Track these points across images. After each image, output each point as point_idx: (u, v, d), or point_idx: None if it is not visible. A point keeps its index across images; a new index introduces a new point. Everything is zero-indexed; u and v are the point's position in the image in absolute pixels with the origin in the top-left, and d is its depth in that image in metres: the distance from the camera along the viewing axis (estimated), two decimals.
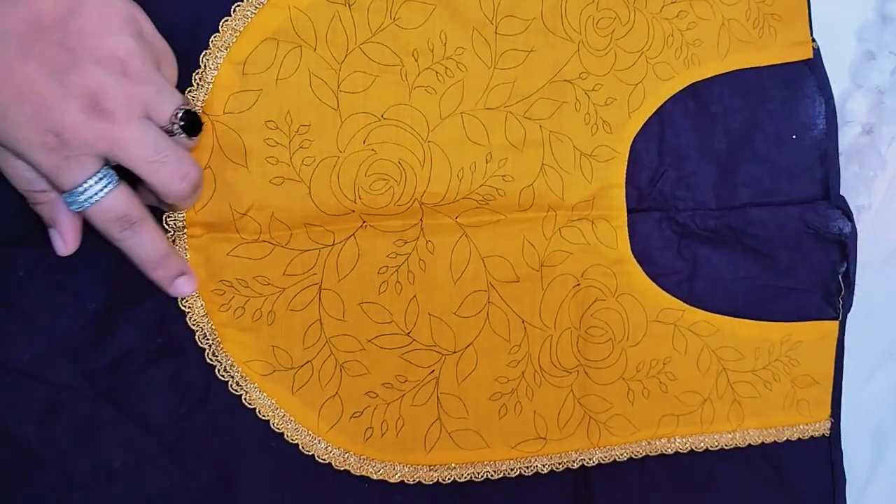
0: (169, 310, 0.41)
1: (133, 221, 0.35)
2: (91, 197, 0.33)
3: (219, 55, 0.41)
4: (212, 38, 0.41)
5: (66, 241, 0.36)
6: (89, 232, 0.39)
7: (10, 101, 0.31)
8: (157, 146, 0.34)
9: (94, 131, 0.32)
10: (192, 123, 0.35)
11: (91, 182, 0.33)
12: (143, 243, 0.36)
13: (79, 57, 0.32)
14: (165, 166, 0.34)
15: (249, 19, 0.41)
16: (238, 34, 0.41)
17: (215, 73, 0.41)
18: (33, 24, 0.31)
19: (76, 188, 0.33)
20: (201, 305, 0.41)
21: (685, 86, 0.48)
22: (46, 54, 0.31)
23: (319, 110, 0.42)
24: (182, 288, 0.39)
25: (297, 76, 0.42)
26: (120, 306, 0.40)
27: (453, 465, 0.45)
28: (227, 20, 0.41)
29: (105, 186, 0.34)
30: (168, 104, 0.34)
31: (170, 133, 0.35)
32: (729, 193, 0.49)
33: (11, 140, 0.32)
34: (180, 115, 0.35)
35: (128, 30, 0.33)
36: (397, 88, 0.43)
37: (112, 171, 0.34)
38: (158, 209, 0.40)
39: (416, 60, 0.44)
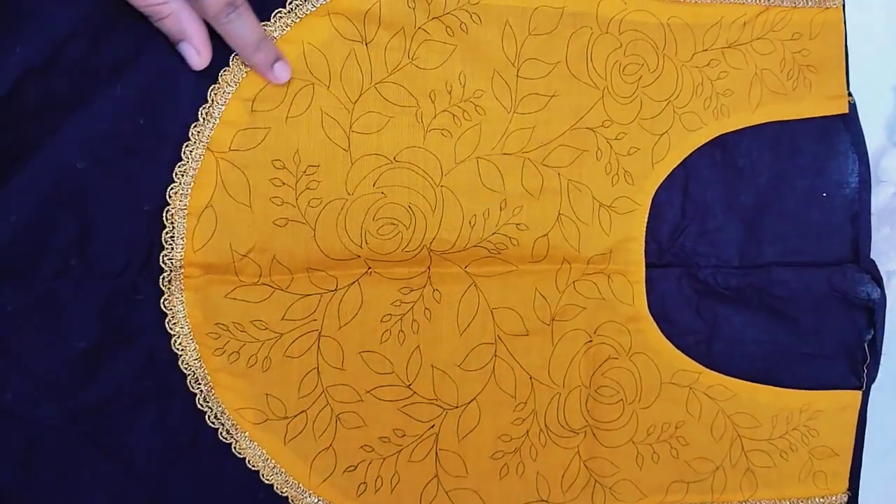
0: (160, 351, 0.39)
1: (237, 6, 0.38)
2: None
3: (227, 90, 0.39)
4: (221, 72, 0.39)
5: (199, 49, 0.38)
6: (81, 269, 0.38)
7: None
8: None
9: None
10: None
11: None
12: (246, 26, 0.38)
13: None
14: None
15: None
16: (248, 70, 0.40)
17: (223, 108, 0.39)
18: None
19: None
20: (195, 348, 0.40)
21: (713, 137, 0.46)
22: None
23: (329, 151, 0.41)
24: (280, 73, 0.40)
25: (307, 115, 0.40)
26: (109, 346, 0.38)
27: None
28: (237, 55, 0.39)
29: None
30: None
31: None
32: (753, 251, 0.47)
33: None
34: None
35: None
36: (412, 130, 0.42)
37: None
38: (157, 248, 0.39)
39: (433, 102, 0.42)
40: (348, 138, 0.41)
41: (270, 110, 0.40)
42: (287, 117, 0.40)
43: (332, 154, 0.41)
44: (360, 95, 0.41)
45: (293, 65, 0.40)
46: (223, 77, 0.39)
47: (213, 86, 0.39)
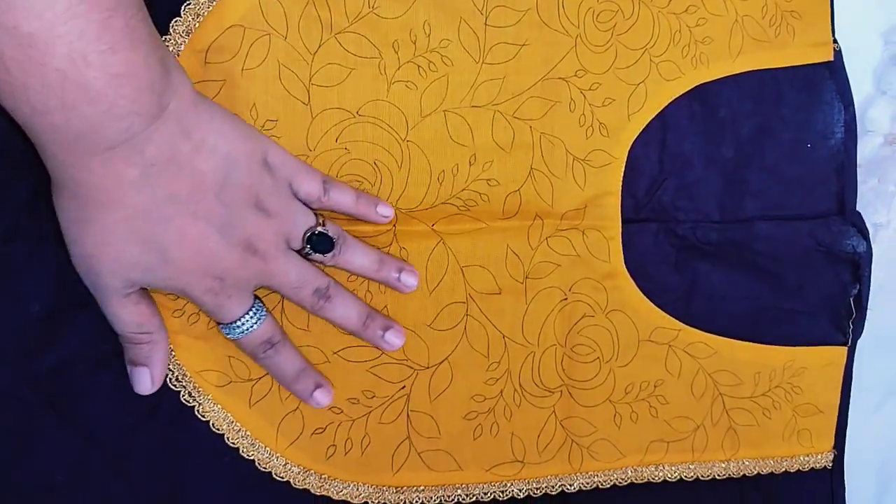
0: None
1: (275, 343, 0.38)
2: (247, 329, 0.37)
3: (179, 42, 0.38)
4: (172, 23, 0.38)
5: (154, 381, 0.38)
6: (34, 231, 0.37)
7: (183, 256, 0.35)
8: (298, 273, 0.38)
9: (251, 270, 0.36)
10: (320, 244, 0.38)
11: (248, 317, 0.37)
12: (283, 361, 0.39)
13: (235, 210, 0.35)
14: (304, 289, 0.38)
15: (214, 4, 0.38)
16: (201, 19, 0.38)
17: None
18: (197, 185, 0.34)
19: (235, 322, 0.37)
20: None
21: (691, 87, 0.45)
22: (211, 212, 0.34)
23: (288, 105, 0.39)
24: (320, 399, 0.40)
25: (264, 67, 0.39)
26: (65, 309, 0.37)
27: (422, 487, 0.42)
28: (189, 4, 0.38)
29: (258, 319, 0.38)
30: (300, 230, 0.38)
31: (306, 255, 0.38)
32: (734, 205, 0.46)
33: (181, 286, 0.36)
34: (308, 237, 0.38)
35: (266, 172, 0.37)
36: (375, 83, 0.40)
37: (262, 304, 0.38)
38: None
39: (397, 53, 0.40)
40: (308, 91, 0.39)
41: (225, 62, 0.38)
42: (243, 69, 0.38)
43: (292, 108, 0.39)
44: (319, 46, 0.39)
45: (248, 14, 0.38)
46: (174, 28, 0.38)
47: (164, 37, 0.38)
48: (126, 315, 0.36)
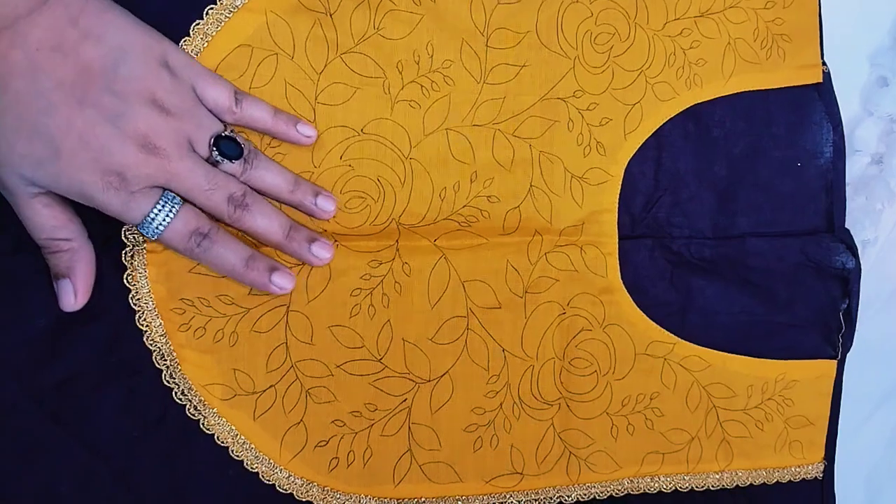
0: (124, 328, 0.38)
1: (205, 233, 0.36)
2: (162, 221, 0.35)
3: None
4: (181, 42, 0.39)
5: (77, 293, 0.36)
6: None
7: (73, 147, 0.33)
8: (207, 175, 0.36)
9: (152, 167, 0.34)
10: (228, 148, 0.36)
11: (157, 208, 0.35)
12: (225, 251, 0.37)
13: (128, 101, 0.34)
14: (216, 193, 0.36)
15: (222, 24, 0.39)
16: (210, 39, 0.39)
17: None
18: (84, 72, 0.33)
19: (146, 217, 0.35)
20: (160, 324, 0.39)
21: (686, 107, 0.46)
22: (100, 101, 0.33)
23: None
24: (280, 282, 0.38)
25: (271, 85, 0.40)
26: (72, 323, 0.37)
27: (423, 498, 0.43)
28: (198, 24, 0.39)
29: (171, 209, 0.35)
30: (205, 134, 0.36)
31: (215, 163, 0.36)
32: (727, 222, 0.47)
33: (78, 184, 0.34)
34: (213, 142, 0.36)
35: (165, 71, 0.35)
36: (379, 102, 0.41)
37: (173, 195, 0.36)
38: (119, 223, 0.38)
39: (401, 73, 0.41)
40: (314, 110, 0.40)
41: (233, 80, 0.39)
42: (250, 88, 0.39)
43: None
44: (325, 66, 0.40)
45: (256, 34, 0.39)
46: (184, 46, 0.38)
47: None
48: (38, 218, 0.35)
